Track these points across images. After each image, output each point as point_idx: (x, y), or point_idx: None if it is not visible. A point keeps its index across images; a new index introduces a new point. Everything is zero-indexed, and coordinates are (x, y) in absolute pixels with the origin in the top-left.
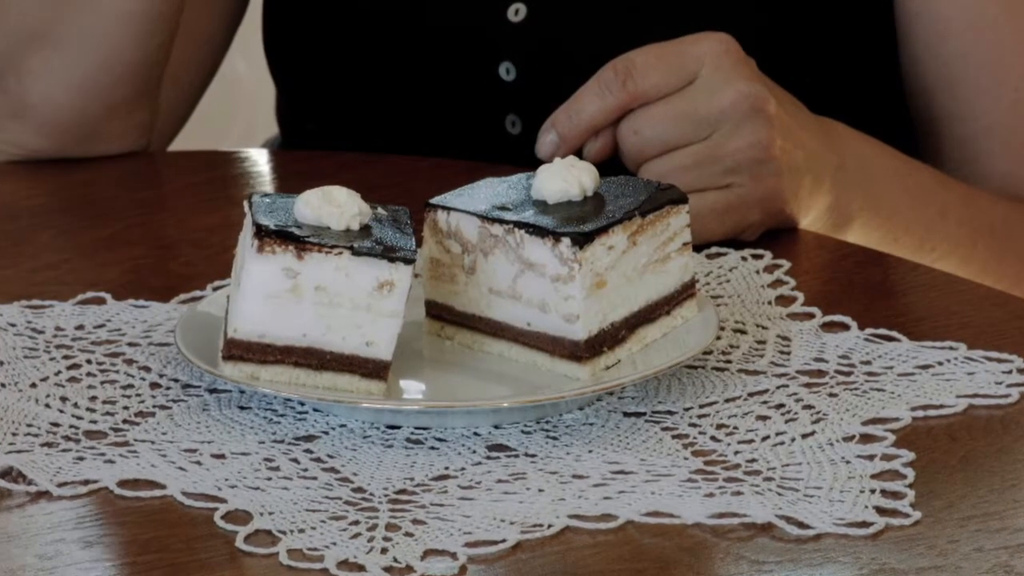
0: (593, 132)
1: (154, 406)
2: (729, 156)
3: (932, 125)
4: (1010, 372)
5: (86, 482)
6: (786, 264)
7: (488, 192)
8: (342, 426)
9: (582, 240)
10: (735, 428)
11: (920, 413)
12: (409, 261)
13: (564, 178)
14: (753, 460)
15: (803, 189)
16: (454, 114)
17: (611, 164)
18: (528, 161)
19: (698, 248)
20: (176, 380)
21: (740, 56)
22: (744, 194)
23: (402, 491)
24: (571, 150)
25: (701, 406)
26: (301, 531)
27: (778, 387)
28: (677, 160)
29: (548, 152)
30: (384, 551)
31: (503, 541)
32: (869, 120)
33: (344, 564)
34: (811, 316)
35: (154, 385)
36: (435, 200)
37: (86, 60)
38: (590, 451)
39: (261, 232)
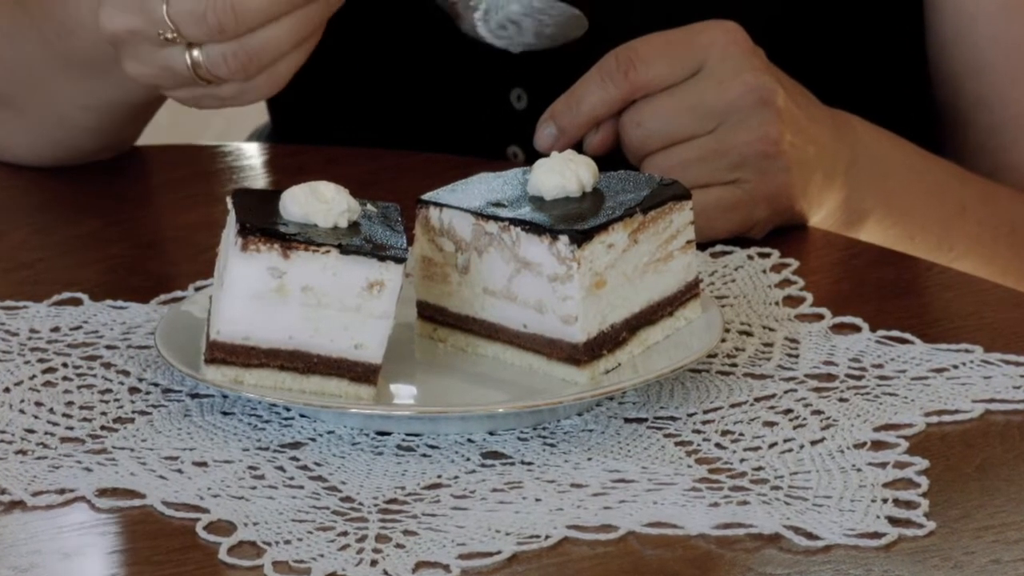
0: (594, 124)
1: (133, 412)
2: (736, 150)
3: (959, 113)
4: None
5: (62, 491)
6: (794, 263)
7: (482, 188)
8: (330, 432)
9: (580, 238)
10: (741, 435)
11: (934, 419)
12: (400, 260)
13: (562, 173)
14: (760, 468)
15: (813, 185)
16: (457, 88)
17: (612, 158)
18: (533, 138)
19: (702, 246)
20: (156, 384)
21: (748, 46)
22: (751, 190)
23: (392, 500)
24: (571, 142)
25: (705, 412)
26: (287, 542)
27: (786, 392)
28: (681, 154)
29: (547, 144)
30: (374, 563)
31: (498, 553)
32: (884, 113)
33: None
34: (820, 317)
35: (133, 390)
36: (427, 196)
37: (48, 130)
38: (589, 459)
39: (245, 230)
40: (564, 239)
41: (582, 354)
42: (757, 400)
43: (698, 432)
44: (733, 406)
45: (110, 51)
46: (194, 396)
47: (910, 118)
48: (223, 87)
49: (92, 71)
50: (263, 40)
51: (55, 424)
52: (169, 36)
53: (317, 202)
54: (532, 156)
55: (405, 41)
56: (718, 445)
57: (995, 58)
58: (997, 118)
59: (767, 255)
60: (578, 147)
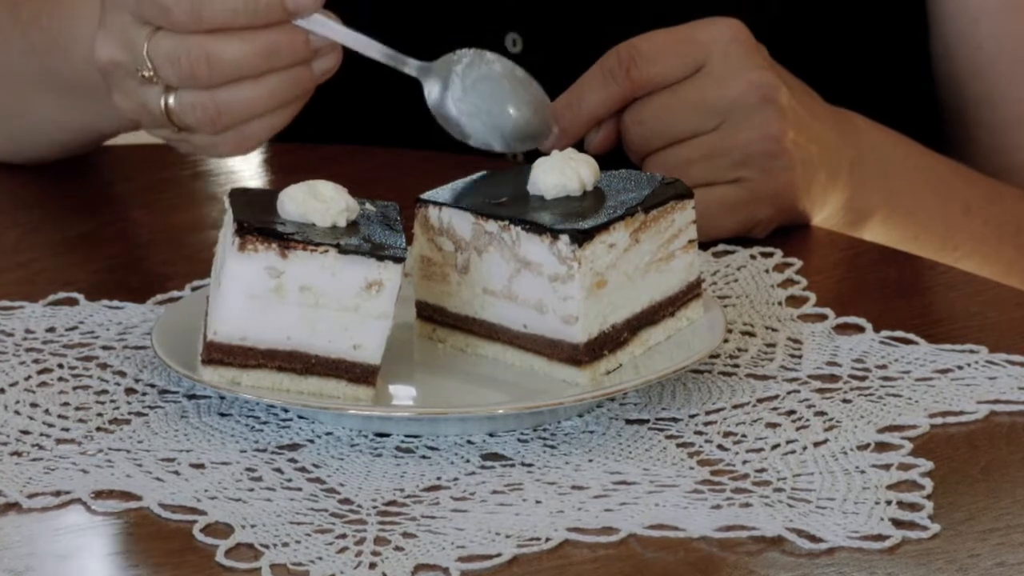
0: (595, 123)
1: (129, 413)
2: (739, 148)
3: (962, 112)
4: None
5: (58, 493)
6: (797, 263)
7: (482, 187)
8: (328, 434)
9: (581, 237)
10: (743, 436)
11: (939, 420)
12: (399, 260)
13: (562, 172)
14: (762, 470)
15: (817, 184)
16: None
17: (614, 156)
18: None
19: (704, 246)
20: (153, 385)
21: (751, 43)
22: (754, 189)
23: (391, 503)
24: (572, 141)
25: (707, 413)
26: (285, 545)
27: (789, 393)
28: (683, 152)
29: (548, 142)
30: (372, 566)
31: (498, 556)
32: (889, 112)
33: None
34: (823, 318)
35: (129, 391)
36: (426, 195)
37: (14, 131)
38: (590, 460)
39: (242, 229)
40: (565, 238)
41: (583, 355)
42: (760, 401)
43: (700, 433)
44: (735, 407)
45: (94, 76)
46: (191, 397)
47: (914, 118)
48: (195, 136)
49: (73, 91)
50: (235, 97)
51: (51, 425)
52: (146, 74)
53: (315, 201)
54: (531, 156)
55: (404, 39)
56: (720, 447)
57: (998, 58)
58: (1000, 118)
59: (770, 255)
60: (579, 146)
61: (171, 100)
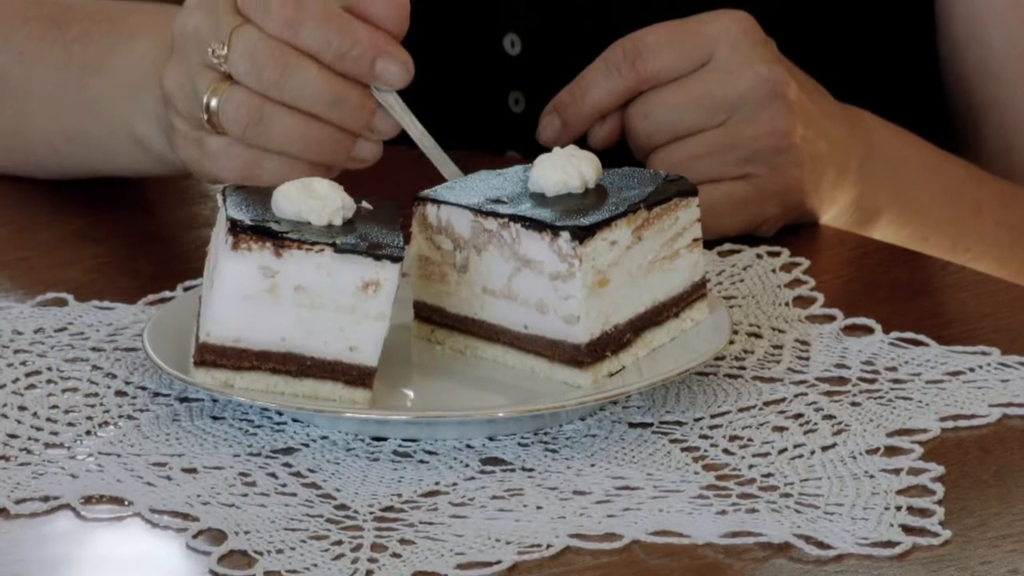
0: (599, 116)
1: (120, 416)
2: (746, 144)
3: (971, 113)
4: None
5: (46, 498)
6: (805, 262)
7: (482, 184)
8: (324, 438)
9: (582, 234)
10: (749, 440)
11: (950, 424)
12: (396, 259)
13: (563, 169)
14: (769, 475)
15: (825, 182)
16: (453, 91)
17: (618, 152)
18: (532, 142)
19: (710, 244)
20: (144, 388)
21: (759, 36)
22: (761, 185)
23: (389, 508)
24: (575, 136)
25: (713, 416)
26: (279, 551)
27: (796, 395)
28: (690, 148)
29: (550, 137)
30: (369, 573)
31: (498, 563)
32: (899, 110)
33: None
34: (832, 319)
35: (120, 393)
36: (424, 193)
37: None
38: (592, 465)
39: (236, 228)
40: (565, 235)
41: (585, 355)
42: (766, 404)
43: (705, 437)
44: (741, 410)
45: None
46: (183, 400)
47: (922, 118)
48: (211, 138)
49: (98, 111)
50: (281, 120)
51: (39, 429)
52: (218, 55)
53: (310, 199)
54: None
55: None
56: (726, 451)
57: (1007, 58)
58: (1009, 119)
59: (776, 254)
60: (582, 141)
61: (214, 103)
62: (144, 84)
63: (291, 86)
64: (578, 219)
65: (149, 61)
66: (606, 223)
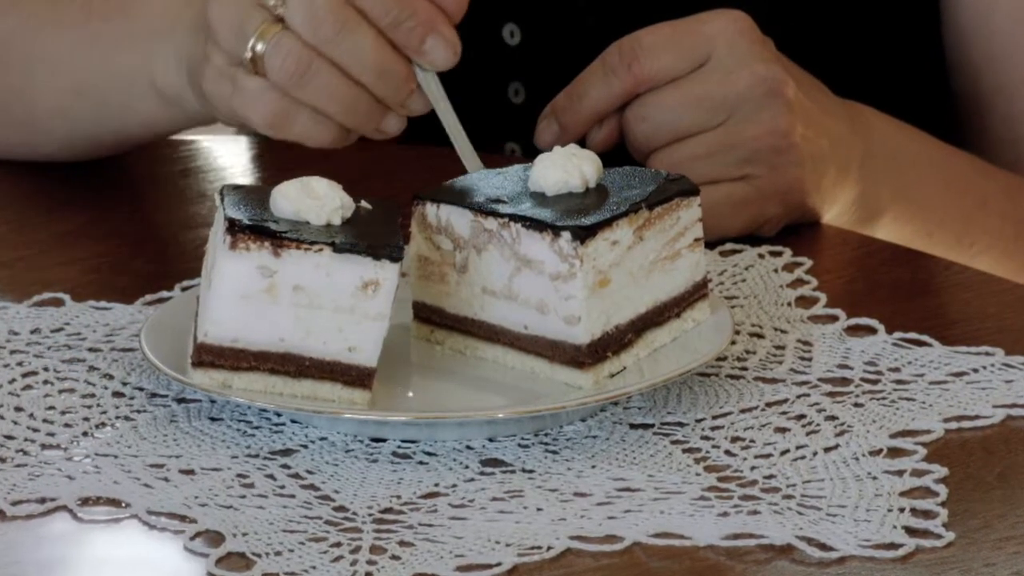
0: (597, 119)
1: (117, 417)
2: (745, 144)
3: (976, 102)
4: None
5: (43, 500)
6: (807, 262)
7: (481, 184)
8: (322, 439)
9: (583, 234)
10: (751, 441)
11: (953, 425)
12: (396, 259)
13: (564, 168)
14: (771, 476)
15: (827, 180)
16: (452, 82)
17: (616, 154)
18: (531, 133)
19: (711, 244)
20: (141, 389)
21: (757, 35)
22: (762, 186)
23: (388, 510)
24: (573, 139)
25: (714, 417)
26: (278, 554)
27: (798, 396)
28: (689, 149)
29: (548, 141)
30: (368, 575)
31: (498, 565)
32: (900, 105)
33: None
34: (834, 319)
35: (117, 394)
36: (423, 192)
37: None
38: (593, 466)
39: (234, 227)
40: (566, 235)
41: (586, 356)
42: (768, 405)
43: (707, 439)
44: (743, 411)
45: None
46: (181, 401)
47: (926, 110)
48: (249, 78)
49: (114, 61)
50: (326, 78)
51: (35, 430)
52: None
53: (309, 198)
54: (530, 152)
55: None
56: (728, 452)
57: (1014, 46)
58: (1016, 108)
59: (779, 254)
60: (581, 143)
61: (262, 47)
62: (169, 29)
63: (344, 46)
64: (579, 219)
65: (176, 6)
66: (607, 223)
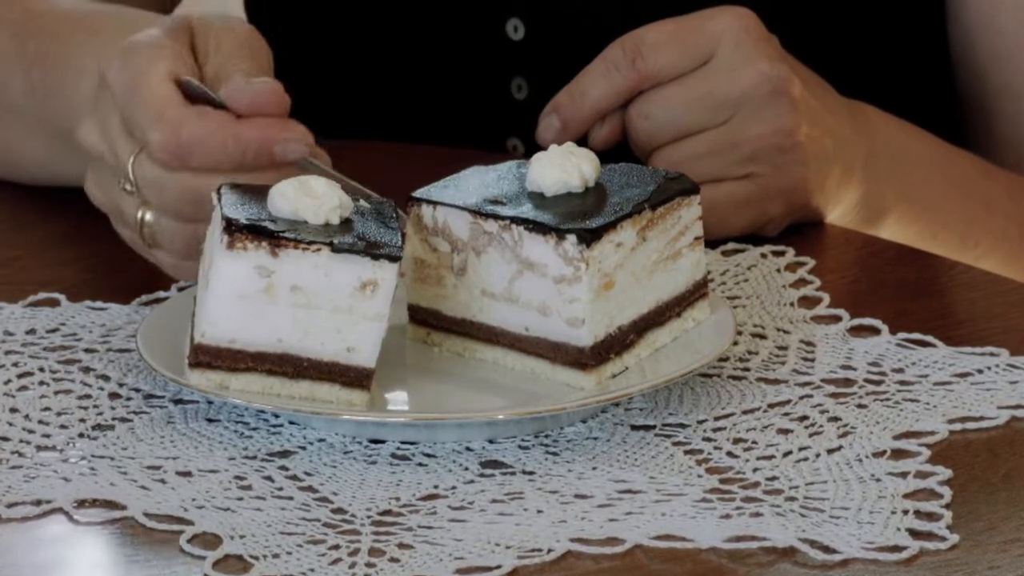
0: (599, 116)
1: (113, 418)
2: (749, 143)
3: (982, 103)
4: None
5: (38, 502)
6: (810, 262)
7: (476, 183)
8: (321, 440)
9: (589, 237)
10: (754, 443)
11: (958, 426)
12: (394, 259)
13: (562, 167)
14: (774, 478)
15: (831, 180)
16: (454, 78)
17: (617, 151)
18: (534, 129)
19: (713, 244)
20: (137, 390)
21: (761, 33)
22: (765, 185)
23: (387, 512)
24: (575, 136)
25: (716, 418)
26: (275, 556)
27: (801, 397)
28: (692, 147)
29: (549, 138)
30: None
31: (498, 567)
32: (904, 105)
33: None
34: (837, 319)
35: (113, 395)
36: (419, 193)
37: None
38: (594, 468)
39: (231, 227)
40: (572, 239)
41: (588, 358)
42: (771, 406)
43: (709, 440)
44: (746, 413)
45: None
46: (177, 402)
47: (931, 110)
48: (160, 252)
49: (64, 141)
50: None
51: (31, 432)
52: (128, 188)
53: (307, 198)
54: (533, 149)
55: (400, 29)
56: (730, 454)
57: (1019, 46)
58: (1022, 108)
59: (781, 253)
60: (581, 141)
61: (148, 217)
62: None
63: (210, 209)
64: (583, 221)
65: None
66: (612, 225)
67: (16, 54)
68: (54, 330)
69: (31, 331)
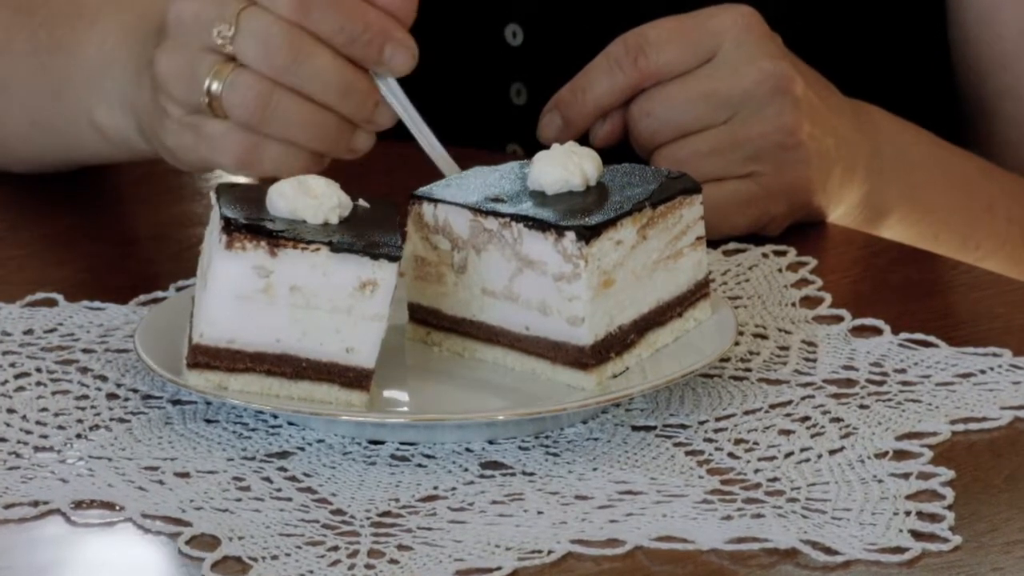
0: (601, 114)
1: (111, 419)
2: (751, 142)
3: (983, 105)
4: None
5: (36, 503)
6: (812, 262)
7: (478, 182)
8: (320, 441)
9: (588, 234)
10: (755, 443)
11: (960, 427)
12: (394, 258)
13: (564, 166)
14: (775, 479)
15: (833, 179)
16: (454, 83)
17: (619, 150)
18: (533, 134)
19: (715, 243)
20: (135, 390)
21: (764, 31)
22: (768, 184)
23: (386, 513)
24: (576, 134)
25: (717, 419)
26: (274, 558)
27: (803, 398)
28: (694, 145)
29: (551, 136)
30: None
31: (498, 569)
32: (908, 105)
33: None
34: (839, 319)
35: (111, 396)
36: (420, 191)
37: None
38: (594, 469)
39: (230, 226)
40: (571, 235)
41: (589, 357)
42: (772, 407)
43: (710, 441)
44: (747, 413)
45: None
46: (176, 403)
47: (933, 112)
48: (211, 122)
49: (59, 97)
50: (289, 106)
51: (28, 432)
52: (224, 36)
53: (306, 197)
54: (533, 154)
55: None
56: (731, 455)
57: (1020, 47)
58: (1023, 109)
59: (783, 253)
60: (583, 139)
61: (216, 85)
62: (103, 69)
63: (303, 72)
64: (583, 219)
65: (109, 46)
66: (612, 223)
67: (21, 25)
68: (52, 330)
69: (28, 331)
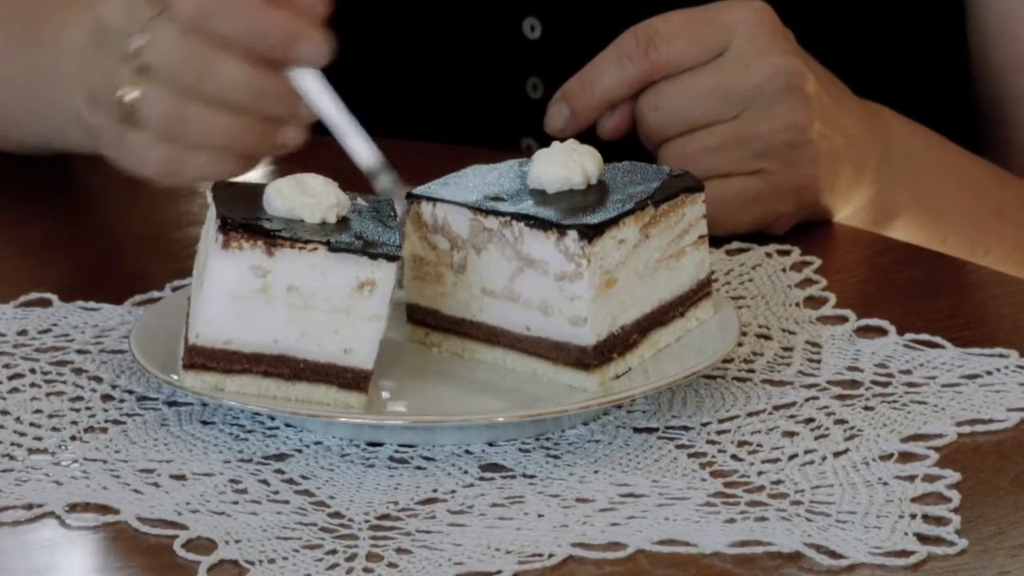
0: (609, 106)
1: (106, 421)
2: (760, 138)
3: (999, 109)
4: None
5: (30, 506)
6: (816, 261)
7: (477, 180)
8: (317, 443)
9: (590, 233)
10: (759, 446)
11: (967, 429)
12: (393, 258)
13: (565, 164)
14: (779, 482)
15: (842, 179)
16: (470, 77)
17: (623, 145)
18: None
19: (718, 242)
20: (131, 392)
21: (776, 27)
22: (775, 181)
23: (385, 516)
24: (584, 126)
25: (720, 421)
26: (271, 561)
27: (807, 400)
28: (702, 140)
29: (558, 126)
30: None
31: (498, 572)
32: (920, 107)
33: None
34: (844, 320)
35: (106, 397)
36: (418, 190)
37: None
38: (596, 471)
39: (226, 225)
40: (573, 234)
41: (591, 358)
42: (776, 408)
43: (713, 443)
44: (750, 415)
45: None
46: (171, 404)
47: (947, 116)
48: (132, 134)
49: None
50: (204, 116)
51: (22, 434)
52: (135, 46)
53: (303, 196)
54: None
55: (416, 28)
56: (734, 457)
57: None
58: None
59: (787, 252)
60: (590, 132)
61: (134, 95)
62: (75, 72)
63: (212, 82)
64: (585, 217)
65: (77, 43)
66: (614, 221)
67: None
68: (46, 331)
69: (22, 332)
